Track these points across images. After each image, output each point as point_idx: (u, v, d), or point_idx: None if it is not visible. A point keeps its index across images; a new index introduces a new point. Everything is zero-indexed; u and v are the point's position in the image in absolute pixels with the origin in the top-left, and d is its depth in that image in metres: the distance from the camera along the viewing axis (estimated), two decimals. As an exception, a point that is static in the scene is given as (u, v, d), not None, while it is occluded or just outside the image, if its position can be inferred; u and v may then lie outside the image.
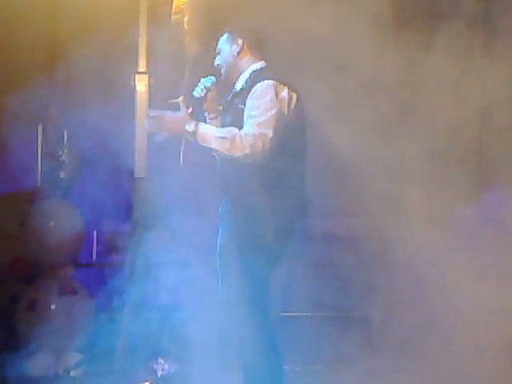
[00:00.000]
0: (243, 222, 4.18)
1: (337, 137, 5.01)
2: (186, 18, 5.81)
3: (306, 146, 4.33)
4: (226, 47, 4.35)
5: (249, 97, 4.16)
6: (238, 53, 4.31)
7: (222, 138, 4.06)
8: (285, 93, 4.17)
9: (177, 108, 4.20)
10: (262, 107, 4.10)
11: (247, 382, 4.22)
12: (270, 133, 4.07)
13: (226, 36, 4.38)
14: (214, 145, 4.08)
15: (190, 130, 4.12)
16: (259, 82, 4.17)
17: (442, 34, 5.22)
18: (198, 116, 4.34)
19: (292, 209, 4.21)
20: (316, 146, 4.46)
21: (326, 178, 4.96)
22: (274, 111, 4.11)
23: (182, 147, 4.43)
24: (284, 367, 4.23)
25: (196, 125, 4.13)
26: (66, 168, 6.28)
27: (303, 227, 4.30)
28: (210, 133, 4.12)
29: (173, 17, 5.85)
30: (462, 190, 5.15)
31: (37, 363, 5.90)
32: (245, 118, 4.14)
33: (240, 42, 4.31)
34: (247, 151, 4.03)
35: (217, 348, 5.22)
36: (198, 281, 5.55)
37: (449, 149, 5.32)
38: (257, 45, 4.35)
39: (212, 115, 4.45)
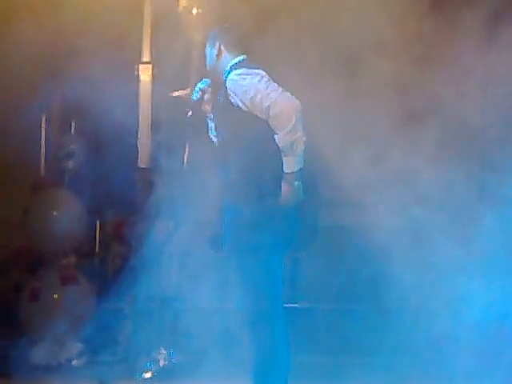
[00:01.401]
0: (246, 215, 4.21)
1: (339, 126, 5.01)
2: (194, 10, 5.84)
3: None
4: (208, 52, 4.49)
5: (229, 90, 4.25)
6: (217, 55, 4.43)
7: (290, 148, 4.15)
8: (255, 70, 4.24)
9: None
10: (249, 85, 4.19)
11: (256, 370, 4.26)
12: (279, 88, 4.16)
13: (207, 43, 4.52)
14: (300, 152, 4.17)
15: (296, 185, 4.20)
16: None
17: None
18: (198, 118, 4.51)
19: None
20: (316, 138, 4.48)
21: (329, 168, 4.95)
22: (261, 81, 4.19)
23: (186, 152, 4.52)
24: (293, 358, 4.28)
25: (286, 178, 4.19)
26: (74, 158, 6.31)
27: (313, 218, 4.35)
28: (289, 161, 4.18)
29: (180, 9, 5.86)
30: (465, 180, 5.13)
31: (39, 352, 5.92)
32: (245, 105, 4.20)
33: (217, 44, 4.44)
34: (293, 119, 4.12)
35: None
36: (202, 271, 5.57)
37: (453, 136, 5.29)
38: (234, 43, 4.45)
39: (211, 116, 4.54)
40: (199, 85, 4.50)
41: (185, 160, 4.77)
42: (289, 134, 4.14)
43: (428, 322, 5.27)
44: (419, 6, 5.31)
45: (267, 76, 4.23)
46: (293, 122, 4.13)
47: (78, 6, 5.98)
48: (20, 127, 5.82)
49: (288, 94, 4.19)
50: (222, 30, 4.56)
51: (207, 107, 4.51)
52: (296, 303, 6.05)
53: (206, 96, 4.48)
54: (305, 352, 5.25)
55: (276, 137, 4.17)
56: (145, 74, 6.17)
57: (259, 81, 4.19)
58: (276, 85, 4.19)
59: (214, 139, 4.54)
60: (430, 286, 5.19)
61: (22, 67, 5.74)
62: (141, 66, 6.17)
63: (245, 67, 4.29)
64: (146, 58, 6.21)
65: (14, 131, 5.79)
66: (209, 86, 4.49)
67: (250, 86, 4.19)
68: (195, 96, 4.49)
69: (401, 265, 5.11)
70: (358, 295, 6.06)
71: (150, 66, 6.18)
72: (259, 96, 4.16)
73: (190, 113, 4.49)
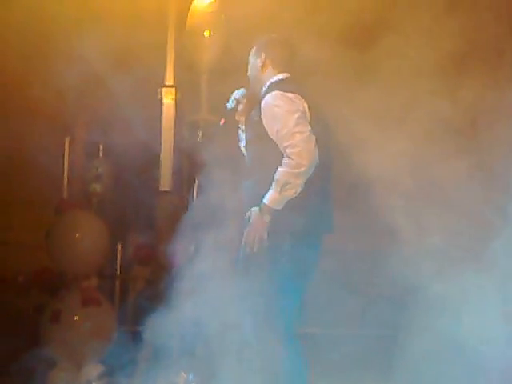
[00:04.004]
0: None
1: (354, 150, 4.99)
2: (206, 33, 5.88)
3: (329, 153, 4.37)
4: (252, 60, 4.47)
5: (262, 115, 4.24)
6: (261, 67, 4.41)
7: (282, 186, 4.12)
8: (291, 95, 4.22)
9: None
10: (280, 116, 4.18)
11: None
12: (306, 131, 4.13)
13: (254, 49, 4.50)
14: (287, 197, 4.14)
15: (267, 220, 4.18)
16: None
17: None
18: (232, 127, 4.53)
19: (314, 219, 4.27)
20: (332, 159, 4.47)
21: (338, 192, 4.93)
22: (293, 115, 4.16)
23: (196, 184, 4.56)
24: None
25: (262, 208, 4.18)
26: (101, 180, 6.35)
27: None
28: (273, 196, 4.15)
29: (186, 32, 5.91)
30: (473, 212, 5.07)
31: (60, 374, 5.93)
32: (270, 132, 4.21)
33: (263, 56, 4.41)
34: (303, 168, 4.10)
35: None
36: (223, 294, 5.54)
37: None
38: (280, 58, 4.42)
39: (244, 127, 4.52)
40: (234, 94, 4.49)
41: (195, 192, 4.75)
42: (290, 176, 4.11)
43: (443, 348, 5.19)
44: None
45: (302, 108, 4.19)
46: (301, 170, 4.11)
47: (102, 31, 6.03)
48: (43, 149, 5.87)
49: (313, 140, 4.13)
50: (270, 41, 4.49)
51: (241, 118, 4.50)
52: (307, 328, 6.02)
53: (240, 106, 4.48)
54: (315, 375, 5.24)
55: (279, 169, 4.14)
56: (168, 97, 6.20)
57: (291, 114, 4.16)
58: (306, 125, 4.15)
59: (244, 151, 4.53)
60: (446, 311, 5.12)
61: (46, 90, 5.80)
62: (164, 90, 6.21)
63: (285, 90, 4.23)
64: (169, 81, 6.25)
65: (36, 153, 5.83)
66: (244, 97, 4.47)
67: (280, 116, 4.16)
68: (230, 105, 4.48)
69: (414, 290, 5.06)
70: (369, 320, 6.01)
71: (173, 90, 6.22)
72: (285, 131, 4.14)
73: (222, 121, 4.49)
